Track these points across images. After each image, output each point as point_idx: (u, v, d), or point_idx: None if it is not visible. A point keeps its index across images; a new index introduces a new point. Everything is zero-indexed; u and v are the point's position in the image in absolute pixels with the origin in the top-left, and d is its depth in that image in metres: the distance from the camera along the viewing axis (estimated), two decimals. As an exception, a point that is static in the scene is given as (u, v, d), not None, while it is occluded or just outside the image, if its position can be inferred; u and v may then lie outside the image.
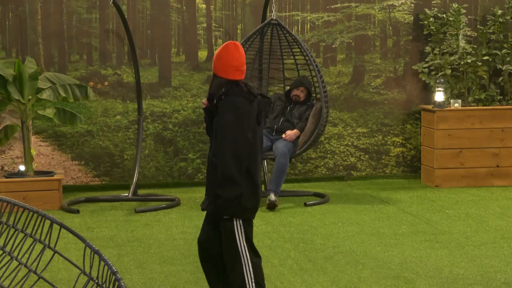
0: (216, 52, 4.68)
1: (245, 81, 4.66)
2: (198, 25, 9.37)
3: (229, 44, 4.65)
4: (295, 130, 8.42)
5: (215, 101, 4.65)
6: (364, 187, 9.28)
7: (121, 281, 3.87)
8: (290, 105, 8.62)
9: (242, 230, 4.60)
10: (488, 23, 9.59)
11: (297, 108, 8.57)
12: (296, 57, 8.99)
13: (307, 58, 8.62)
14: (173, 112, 9.28)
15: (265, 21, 8.73)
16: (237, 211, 4.58)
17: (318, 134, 8.36)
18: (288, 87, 8.95)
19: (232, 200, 4.51)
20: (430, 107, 9.33)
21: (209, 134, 4.77)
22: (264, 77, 9.17)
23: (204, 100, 4.76)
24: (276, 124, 8.56)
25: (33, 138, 8.85)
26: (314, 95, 8.76)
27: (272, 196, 8.08)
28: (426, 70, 9.53)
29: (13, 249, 4.91)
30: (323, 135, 9.41)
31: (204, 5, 9.35)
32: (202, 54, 9.39)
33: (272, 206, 8.05)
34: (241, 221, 4.60)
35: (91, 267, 3.98)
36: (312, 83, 8.78)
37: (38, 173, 8.37)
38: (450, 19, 9.39)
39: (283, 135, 8.40)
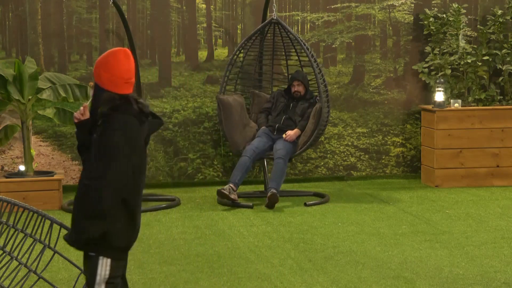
0: (100, 59, 3.92)
1: (135, 96, 3.94)
2: (198, 25, 9.37)
3: (119, 52, 3.88)
4: (295, 130, 8.45)
5: (97, 117, 3.88)
6: (364, 187, 9.28)
7: (121, 281, 3.87)
8: (293, 102, 8.67)
9: (107, 272, 3.86)
10: (488, 23, 9.59)
11: (300, 105, 8.62)
12: (300, 56, 9.01)
13: (307, 57, 8.64)
14: (173, 112, 9.28)
15: (266, 21, 8.77)
16: (105, 250, 3.85)
17: (318, 134, 8.41)
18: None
19: (96, 239, 3.80)
20: (430, 107, 9.33)
21: (82, 153, 3.97)
22: (266, 76, 9.20)
23: (77, 114, 3.93)
24: (278, 123, 8.59)
25: (33, 138, 8.85)
26: (317, 93, 8.74)
27: (273, 191, 8.09)
28: (426, 70, 9.53)
29: (13, 249, 4.91)
30: (323, 135, 9.41)
31: (204, 5, 9.35)
32: (202, 54, 9.39)
33: (272, 202, 8.05)
34: (109, 261, 3.85)
35: (91, 267, 3.97)
36: (315, 81, 8.80)
37: (38, 173, 8.37)
38: (450, 19, 9.39)
39: (284, 135, 8.44)
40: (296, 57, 9.07)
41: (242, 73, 9.10)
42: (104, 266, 3.83)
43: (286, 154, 8.32)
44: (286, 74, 9.20)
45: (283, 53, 9.18)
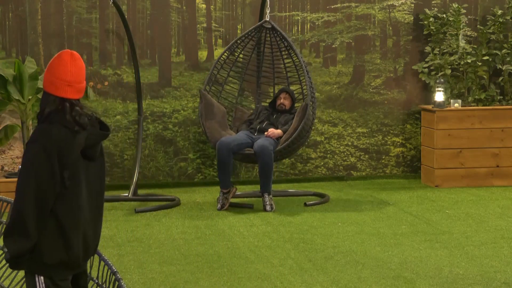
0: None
1: (77, 103, 3.66)
2: (198, 25, 9.37)
3: (65, 53, 3.67)
4: (278, 130, 8.30)
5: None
6: (364, 187, 9.28)
7: (121, 281, 3.87)
8: (277, 114, 8.55)
9: None
10: (488, 23, 9.59)
11: (283, 117, 8.47)
12: (286, 61, 8.95)
13: (295, 58, 8.60)
14: (173, 112, 9.28)
15: (258, 23, 8.71)
16: (36, 267, 3.59)
17: (301, 132, 8.09)
18: (277, 90, 8.93)
19: (20, 257, 3.55)
20: (430, 107, 9.33)
21: None
22: (260, 78, 9.18)
23: None
24: (259, 126, 8.46)
25: (33, 138, 8.84)
26: (301, 96, 8.67)
27: (267, 204, 8.04)
28: (426, 70, 9.53)
29: (13, 249, 4.90)
30: (322, 138, 9.41)
31: (204, 5, 9.35)
32: (202, 54, 9.39)
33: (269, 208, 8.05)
34: (42, 279, 3.60)
35: (91, 267, 3.98)
36: (298, 82, 8.78)
37: (38, 173, 8.36)
38: (450, 19, 9.39)
39: (265, 133, 8.28)
40: (282, 62, 8.98)
41: (233, 72, 9.05)
42: (40, 285, 3.60)
43: (269, 145, 8.02)
44: (272, 78, 9.12)
45: (271, 59, 9.07)
